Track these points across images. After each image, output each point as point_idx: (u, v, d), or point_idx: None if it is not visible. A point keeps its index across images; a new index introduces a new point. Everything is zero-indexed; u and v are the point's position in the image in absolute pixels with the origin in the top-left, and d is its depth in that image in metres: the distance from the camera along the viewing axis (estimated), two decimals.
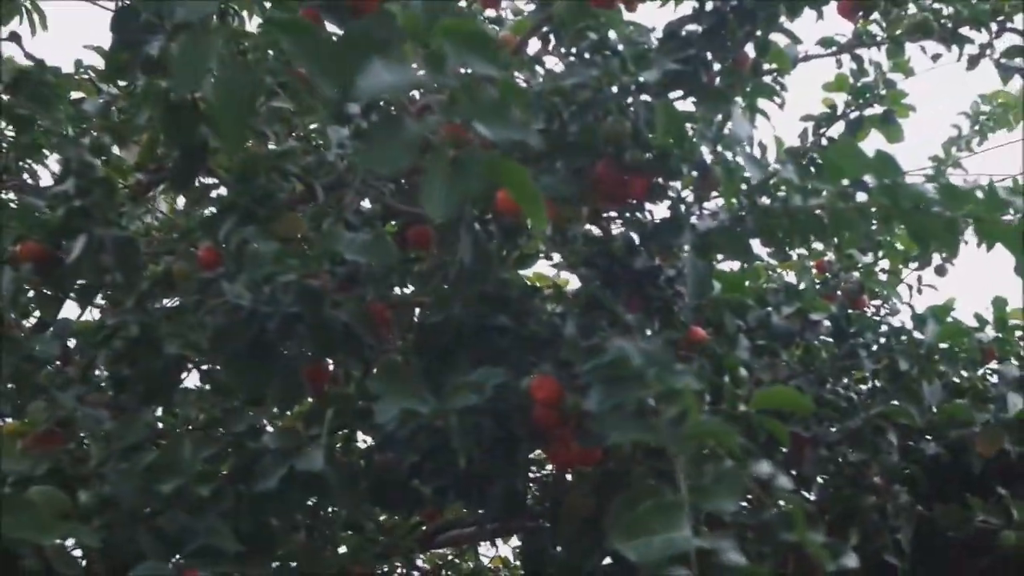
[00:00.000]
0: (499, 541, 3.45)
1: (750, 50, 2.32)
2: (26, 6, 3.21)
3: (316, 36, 1.44)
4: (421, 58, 1.43)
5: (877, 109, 3.07)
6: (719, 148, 2.00)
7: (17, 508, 1.82)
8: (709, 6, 2.13)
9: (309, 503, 2.20)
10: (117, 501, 2.00)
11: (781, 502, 1.71)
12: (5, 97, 2.68)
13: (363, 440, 2.41)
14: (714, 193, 2.15)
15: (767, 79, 2.51)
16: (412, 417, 1.83)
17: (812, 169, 2.05)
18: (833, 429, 2.45)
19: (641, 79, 1.95)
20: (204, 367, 2.39)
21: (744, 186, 2.02)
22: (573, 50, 2.23)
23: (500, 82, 1.42)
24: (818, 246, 2.97)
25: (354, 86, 1.36)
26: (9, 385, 2.22)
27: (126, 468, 2.07)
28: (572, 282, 2.65)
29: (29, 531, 1.77)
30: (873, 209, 1.84)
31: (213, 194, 2.63)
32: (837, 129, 3.07)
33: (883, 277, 3.17)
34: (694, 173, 2.04)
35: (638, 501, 1.37)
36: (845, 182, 1.82)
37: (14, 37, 2.71)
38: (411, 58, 1.42)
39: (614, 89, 1.98)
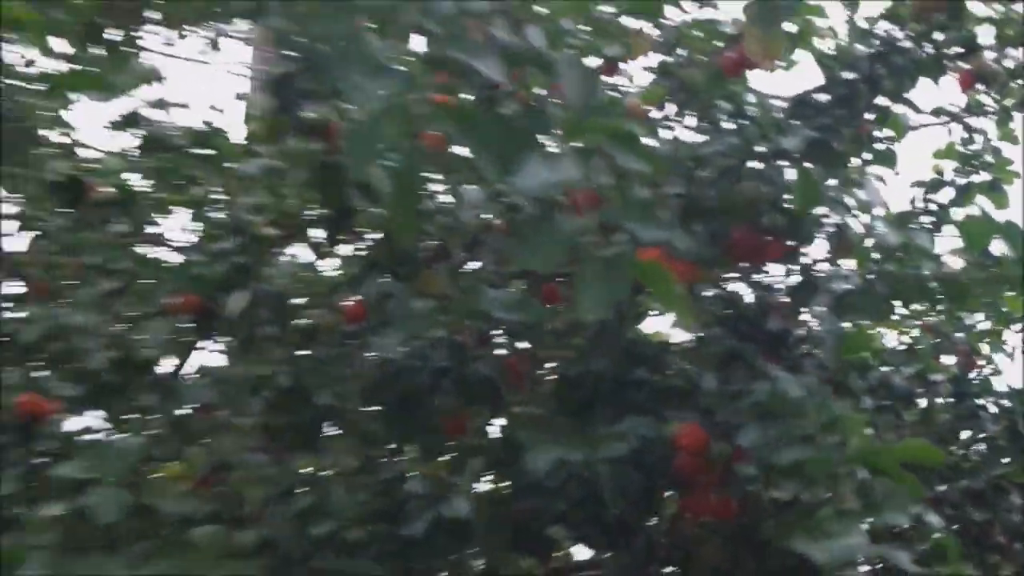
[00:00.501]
0: None
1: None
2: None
3: (480, 123, 1.50)
4: (573, 153, 1.48)
5: (984, 176, 3.08)
6: (854, 214, 2.05)
7: (181, 547, 1.92)
8: (840, 77, 2.19)
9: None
10: (275, 542, 2.08)
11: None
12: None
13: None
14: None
15: (882, 146, 2.56)
16: (561, 466, 1.88)
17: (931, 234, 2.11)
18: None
19: (780, 146, 2.00)
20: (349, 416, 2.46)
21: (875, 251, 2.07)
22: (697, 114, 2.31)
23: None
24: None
25: (513, 173, 1.42)
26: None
27: (282, 511, 2.15)
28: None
29: (195, 569, 1.86)
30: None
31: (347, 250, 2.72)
32: (945, 195, 3.09)
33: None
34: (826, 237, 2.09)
35: (814, 510, 1.44)
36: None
37: (160, 104, 2.77)
38: (565, 152, 1.47)
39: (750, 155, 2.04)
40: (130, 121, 2.39)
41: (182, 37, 3.53)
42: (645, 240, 1.38)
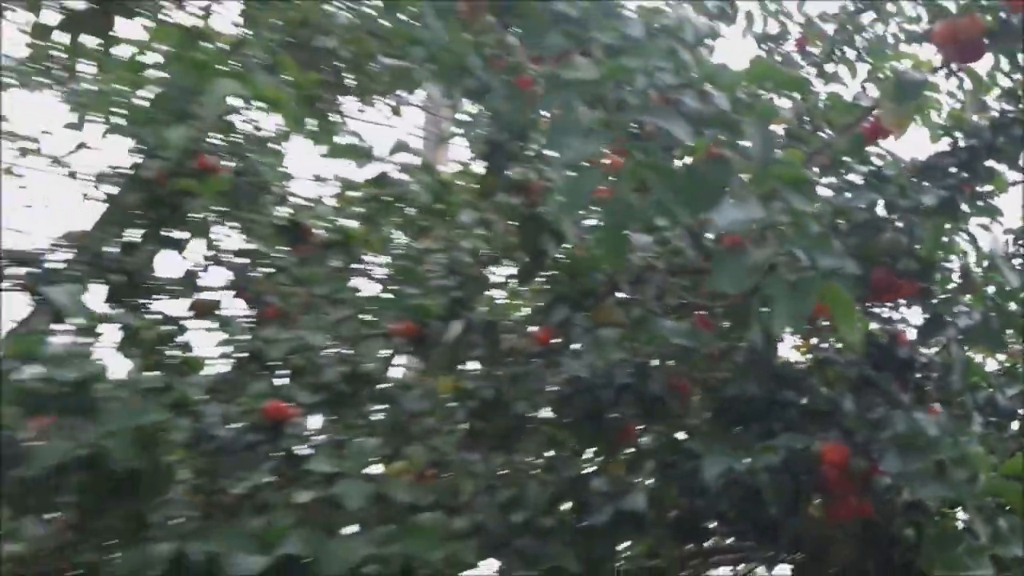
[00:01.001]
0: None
1: None
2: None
3: (675, 174, 1.79)
4: (757, 196, 1.77)
5: None
6: (978, 260, 2.29)
7: (412, 530, 2.21)
8: (963, 143, 2.45)
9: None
10: (484, 527, 2.39)
11: None
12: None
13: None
14: None
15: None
16: (729, 472, 2.15)
17: None
18: None
19: (917, 203, 2.25)
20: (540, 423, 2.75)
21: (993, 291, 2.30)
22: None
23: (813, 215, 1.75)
24: None
25: (706, 215, 1.72)
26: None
27: (487, 501, 2.46)
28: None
29: (423, 547, 2.15)
30: None
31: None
32: None
33: None
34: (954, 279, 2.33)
35: (948, 543, 1.67)
36: None
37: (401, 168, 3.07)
38: (750, 196, 1.76)
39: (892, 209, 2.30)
40: (380, 181, 2.70)
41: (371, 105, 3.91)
42: (823, 266, 1.61)
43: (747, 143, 1.81)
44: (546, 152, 2.46)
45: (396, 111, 3.97)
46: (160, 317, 3.16)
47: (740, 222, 1.71)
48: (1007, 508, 1.79)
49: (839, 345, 2.61)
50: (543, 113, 1.91)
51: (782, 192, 1.76)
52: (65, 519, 2.45)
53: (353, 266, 3.22)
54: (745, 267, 1.71)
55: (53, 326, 2.71)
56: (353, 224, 3.10)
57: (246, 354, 2.83)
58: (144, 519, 2.26)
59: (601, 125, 1.76)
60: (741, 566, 3.07)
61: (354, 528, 2.31)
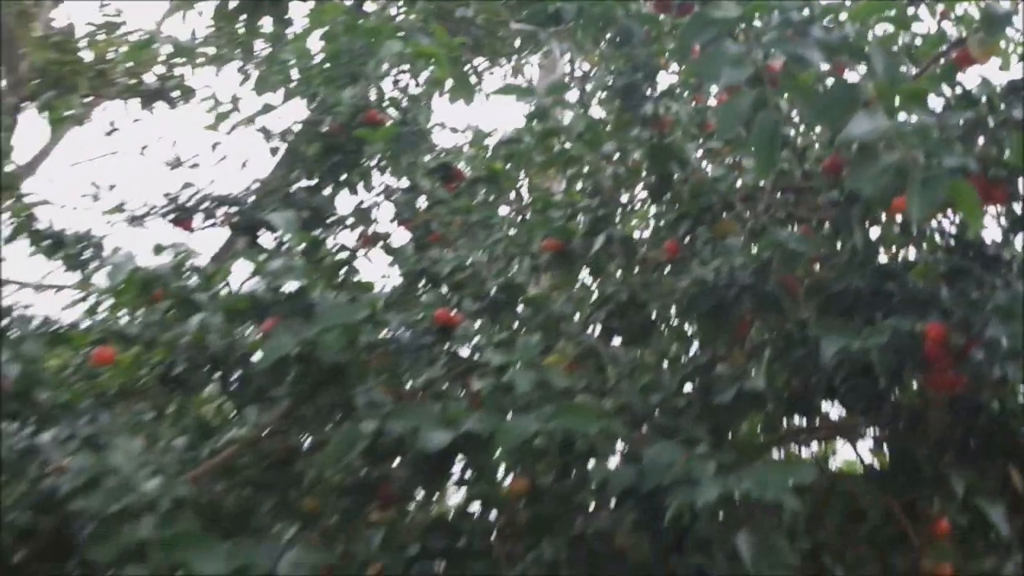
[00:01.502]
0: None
1: None
2: None
3: (815, 94, 1.76)
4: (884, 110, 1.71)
5: None
6: None
7: (571, 409, 2.20)
8: None
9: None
10: (629, 406, 2.40)
11: None
12: None
13: None
14: None
15: None
16: (843, 351, 2.12)
17: None
18: None
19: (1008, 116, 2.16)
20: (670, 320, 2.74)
21: None
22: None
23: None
24: None
25: (843, 128, 1.68)
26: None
27: (629, 385, 2.46)
28: None
29: (581, 424, 2.15)
30: None
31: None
32: None
33: None
34: None
35: None
36: None
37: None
38: (879, 110, 1.71)
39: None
40: (541, 114, 2.67)
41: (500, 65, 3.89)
42: (949, 165, 1.60)
43: (870, 66, 1.77)
44: (678, 89, 2.45)
45: (518, 70, 3.96)
46: (340, 246, 3.22)
47: (870, 132, 1.69)
48: None
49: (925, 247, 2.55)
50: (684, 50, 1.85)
51: (905, 106, 1.71)
52: (282, 407, 2.50)
53: (499, 198, 3.23)
54: (880, 169, 1.68)
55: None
56: (497, 163, 3.10)
57: (416, 272, 2.85)
58: (351, 403, 2.30)
59: (745, 56, 1.75)
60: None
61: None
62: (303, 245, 2.58)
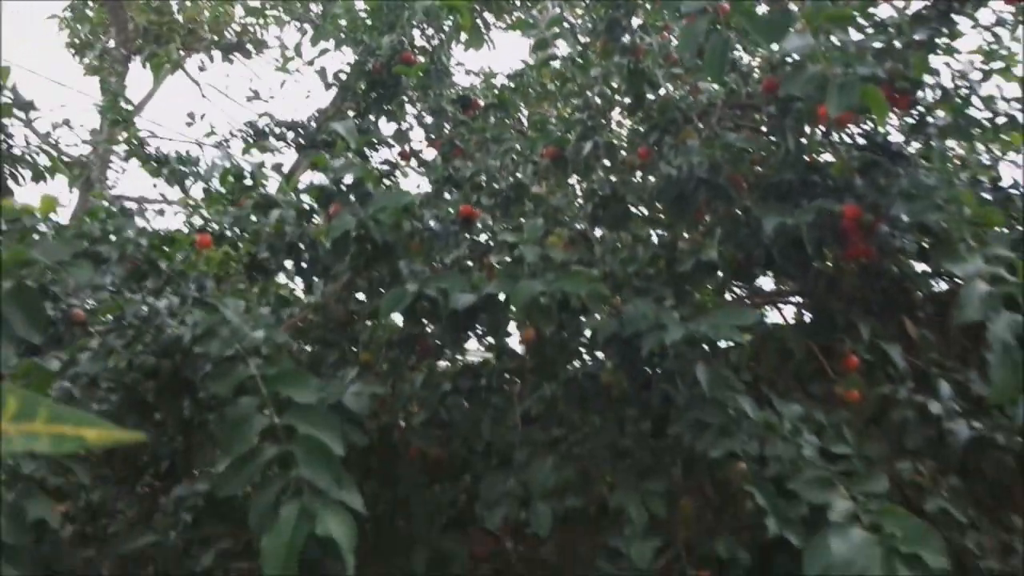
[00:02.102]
0: None
1: None
2: None
3: (758, 17, 1.73)
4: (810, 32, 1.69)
5: None
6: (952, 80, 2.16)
7: (567, 275, 2.22)
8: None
9: None
10: (612, 274, 2.42)
11: None
12: None
13: None
14: None
15: None
16: (780, 227, 2.13)
17: None
18: None
19: (912, 40, 2.12)
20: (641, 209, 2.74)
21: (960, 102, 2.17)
22: None
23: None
24: None
25: (780, 44, 1.66)
26: None
27: (613, 258, 2.47)
28: None
29: (575, 286, 2.17)
30: None
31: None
32: None
33: None
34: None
35: (948, 246, 1.64)
36: None
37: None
38: (807, 32, 1.69)
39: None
40: (541, 44, 2.63)
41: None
42: (861, 74, 1.58)
43: None
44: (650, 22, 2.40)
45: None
46: (384, 160, 3.20)
47: (800, 48, 1.66)
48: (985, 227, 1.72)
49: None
50: None
51: (829, 27, 1.69)
52: (343, 280, 2.53)
53: (507, 120, 3.19)
54: (807, 78, 1.68)
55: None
56: (505, 93, 3.06)
57: (443, 179, 2.84)
58: (397, 274, 2.32)
59: None
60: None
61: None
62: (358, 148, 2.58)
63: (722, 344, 2.59)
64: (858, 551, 1.58)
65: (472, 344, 2.90)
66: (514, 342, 2.70)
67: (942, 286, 2.45)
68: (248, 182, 2.35)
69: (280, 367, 1.68)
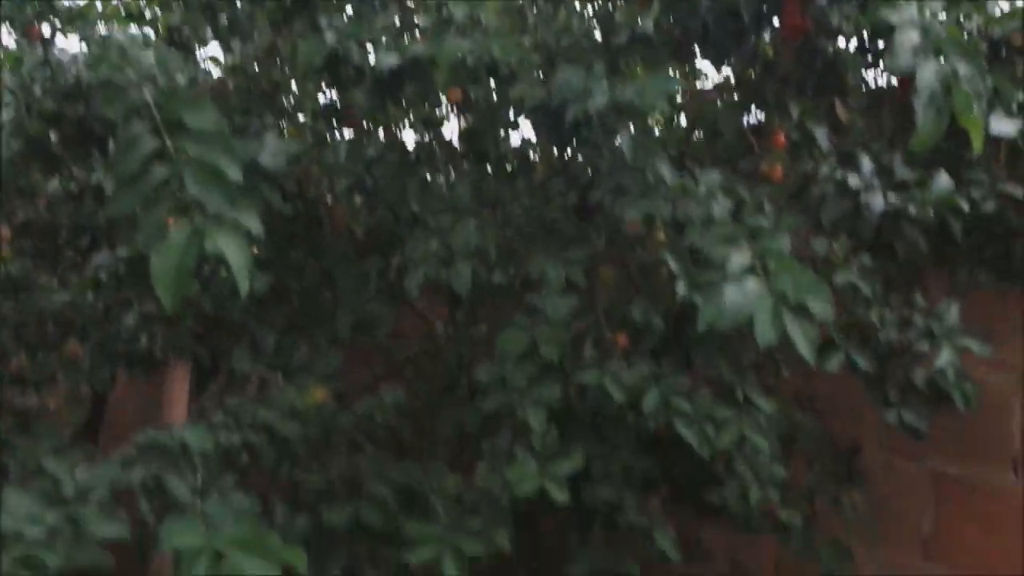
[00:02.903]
0: None
1: None
2: None
3: None
4: None
5: None
6: None
7: (497, 37, 2.14)
8: None
9: None
10: (544, 44, 2.34)
11: None
12: None
13: None
14: None
15: None
16: None
17: None
18: None
19: None
20: None
21: None
22: None
23: None
24: None
25: None
26: None
27: (546, 28, 2.39)
28: None
29: (504, 51, 2.09)
30: None
31: None
32: None
33: None
34: None
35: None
36: None
37: None
38: None
39: None
40: None
41: None
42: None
43: None
44: None
45: None
46: None
47: None
48: None
49: None
50: None
51: None
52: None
53: None
54: None
55: None
56: None
57: None
58: (318, 28, 2.20)
59: None
60: None
61: None
62: None
63: (651, 123, 2.61)
64: (748, 299, 1.64)
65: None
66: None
67: (880, 83, 2.43)
68: None
69: (176, 93, 1.61)
